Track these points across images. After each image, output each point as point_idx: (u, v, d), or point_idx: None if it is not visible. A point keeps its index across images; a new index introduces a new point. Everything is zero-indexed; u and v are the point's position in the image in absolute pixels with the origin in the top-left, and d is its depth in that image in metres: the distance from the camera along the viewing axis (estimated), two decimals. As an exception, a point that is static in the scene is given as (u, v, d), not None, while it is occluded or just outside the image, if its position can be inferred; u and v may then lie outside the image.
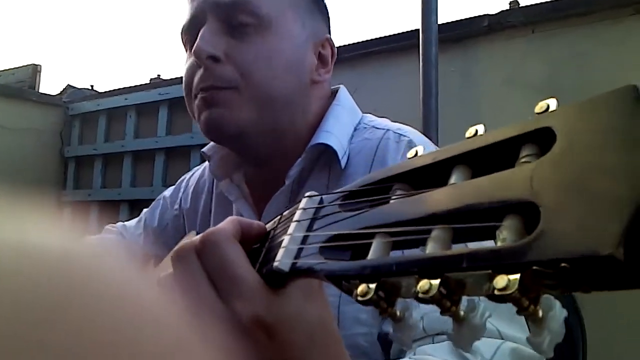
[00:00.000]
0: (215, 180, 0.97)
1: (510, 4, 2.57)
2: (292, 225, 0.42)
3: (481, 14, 2.12)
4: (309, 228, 0.41)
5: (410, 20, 2.48)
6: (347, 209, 0.38)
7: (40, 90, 3.71)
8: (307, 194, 0.44)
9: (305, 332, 0.44)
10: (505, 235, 0.25)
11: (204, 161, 3.11)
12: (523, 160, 0.27)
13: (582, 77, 1.90)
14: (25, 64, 3.73)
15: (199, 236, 0.47)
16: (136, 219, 1.14)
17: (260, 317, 0.42)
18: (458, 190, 0.29)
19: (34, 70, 3.63)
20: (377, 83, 2.25)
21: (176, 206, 1.04)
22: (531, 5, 2.05)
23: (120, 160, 3.31)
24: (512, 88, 2.04)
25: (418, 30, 2.08)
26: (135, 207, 3.16)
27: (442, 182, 0.32)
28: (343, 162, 0.78)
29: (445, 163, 0.32)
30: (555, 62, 1.96)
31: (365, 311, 0.69)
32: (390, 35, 2.32)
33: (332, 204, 0.41)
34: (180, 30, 0.85)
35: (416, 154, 0.36)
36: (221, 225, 0.47)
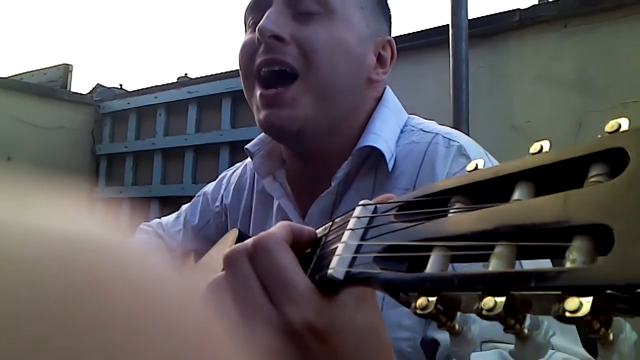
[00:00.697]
0: (256, 178, 0.97)
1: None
2: (346, 233, 0.41)
3: (512, 9, 2.09)
4: (363, 237, 0.41)
5: (440, 15, 2.46)
6: (403, 219, 0.38)
7: (73, 89, 3.78)
8: (361, 202, 0.44)
9: (357, 339, 0.44)
10: (576, 257, 0.24)
11: (232, 158, 3.12)
12: (592, 179, 0.27)
13: (614, 72, 1.87)
14: (57, 64, 3.80)
15: (250, 240, 0.47)
16: (174, 215, 1.14)
17: (311, 323, 0.42)
18: (523, 207, 0.29)
19: (66, 69, 3.70)
20: (407, 79, 2.23)
21: (217, 203, 1.04)
22: (564, -2, 2.02)
23: (151, 158, 3.36)
24: (544, 83, 2.01)
25: (448, 25, 2.06)
26: (165, 204, 3.20)
27: (504, 198, 0.31)
28: (390, 165, 0.78)
29: (508, 179, 0.31)
30: (588, 57, 1.92)
31: (409, 316, 0.68)
32: (420, 31, 2.31)
33: (386, 213, 0.40)
34: (244, 11, 0.85)
35: (476, 167, 0.35)
36: (273, 229, 0.47)
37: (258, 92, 0.78)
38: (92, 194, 3.60)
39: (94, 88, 4.54)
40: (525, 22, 2.06)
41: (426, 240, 0.33)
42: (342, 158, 0.80)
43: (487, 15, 2.16)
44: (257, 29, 0.76)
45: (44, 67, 3.88)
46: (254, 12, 0.81)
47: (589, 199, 0.26)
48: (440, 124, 0.87)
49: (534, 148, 0.31)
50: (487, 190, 0.33)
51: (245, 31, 0.85)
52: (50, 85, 3.64)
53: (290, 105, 0.76)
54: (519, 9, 2.08)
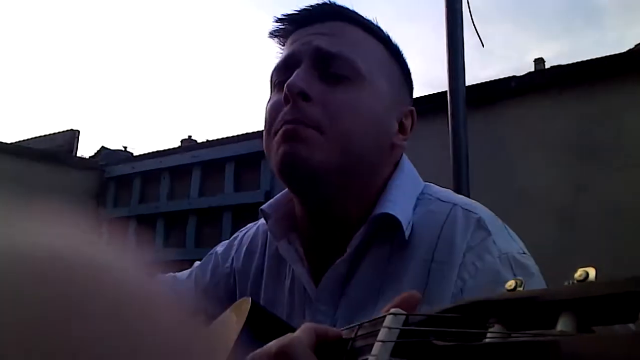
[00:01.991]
0: (268, 241, 0.95)
1: (535, 62, 2.61)
2: (377, 345, 0.39)
3: (508, 76, 2.16)
4: (394, 352, 0.39)
5: (437, 82, 2.53)
6: (436, 335, 0.36)
7: (78, 153, 3.83)
8: (392, 310, 0.42)
9: None
10: None
11: (235, 222, 3.08)
12: None
13: (610, 136, 1.92)
14: (64, 129, 3.88)
15: (274, 344, 0.46)
16: (187, 272, 1.10)
17: None
18: (568, 345, 0.27)
19: (72, 135, 3.77)
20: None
21: (227, 264, 1.01)
22: (556, 66, 2.09)
23: (154, 222, 3.37)
24: (541, 148, 2.05)
25: (446, 92, 2.12)
26: (168, 268, 3.17)
27: (546, 324, 0.30)
28: (407, 233, 0.76)
29: (551, 305, 0.30)
30: (583, 122, 1.97)
31: None
32: (418, 98, 2.37)
33: (419, 327, 0.39)
34: (272, 70, 0.84)
35: (515, 287, 0.34)
36: (297, 334, 0.46)
37: (281, 130, 0.76)
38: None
39: (98, 151, 4.60)
40: (522, 89, 2.12)
41: None
42: (357, 224, 0.78)
43: (484, 82, 2.23)
44: (285, 85, 0.76)
45: (51, 133, 3.95)
46: (281, 72, 0.82)
47: None
48: None
49: (579, 275, 0.30)
50: (527, 315, 0.32)
51: (271, 91, 0.85)
52: (57, 150, 3.70)
53: (311, 144, 0.75)
54: (514, 76, 2.15)
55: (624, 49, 1.99)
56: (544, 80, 2.09)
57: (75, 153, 3.84)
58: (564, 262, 1.82)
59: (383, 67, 0.83)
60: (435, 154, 2.17)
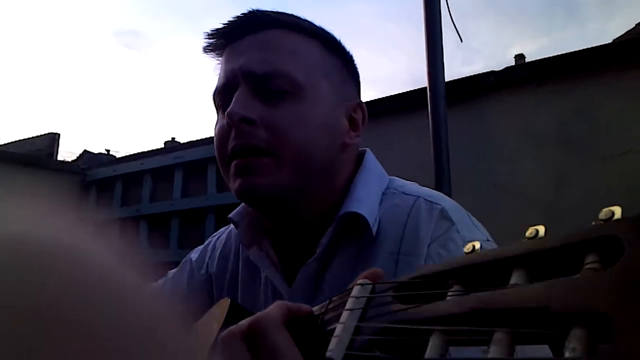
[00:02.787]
0: (241, 246, 0.95)
1: (515, 58, 2.64)
2: (345, 314, 0.41)
3: (487, 71, 2.18)
4: (362, 318, 0.40)
5: (418, 79, 2.55)
6: (401, 300, 0.38)
7: (59, 157, 3.79)
8: (359, 281, 0.43)
9: None
10: (576, 345, 0.25)
11: (218, 223, 3.08)
12: (588, 267, 0.27)
13: (588, 128, 1.94)
14: (44, 133, 3.83)
15: (246, 321, 0.47)
16: (160, 282, 1.11)
17: None
18: (521, 294, 0.29)
19: (52, 138, 3.72)
20: (387, 142, 2.29)
21: (203, 271, 1.02)
22: (535, 61, 2.11)
23: (137, 225, 3.35)
24: (522, 142, 2.07)
25: (425, 88, 2.13)
26: (152, 270, 3.16)
27: (501, 281, 0.32)
28: (374, 230, 0.77)
29: (505, 262, 0.32)
30: (562, 116, 2.00)
31: None
32: (398, 94, 2.38)
33: (385, 294, 0.40)
34: (212, 93, 0.85)
35: (473, 249, 0.36)
36: (269, 310, 0.47)
37: (233, 163, 0.77)
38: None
39: (81, 154, 4.55)
40: (501, 84, 2.14)
41: (425, 323, 0.34)
42: (325, 224, 0.79)
43: (463, 78, 2.25)
44: (226, 114, 0.76)
45: (31, 137, 3.90)
46: (223, 95, 0.81)
47: (586, 287, 0.26)
48: (423, 184, 0.88)
49: (530, 232, 0.32)
50: (485, 274, 0.34)
51: (217, 113, 0.85)
52: (37, 154, 3.66)
53: (264, 174, 0.75)
54: (493, 71, 2.16)
55: (604, 42, 2.02)
56: (522, 75, 2.11)
57: (56, 157, 3.80)
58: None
59: (322, 67, 0.82)
60: (417, 149, 2.18)
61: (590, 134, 1.93)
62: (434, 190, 0.84)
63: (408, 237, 0.76)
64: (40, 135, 3.87)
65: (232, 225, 1.00)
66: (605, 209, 0.29)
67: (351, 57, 0.88)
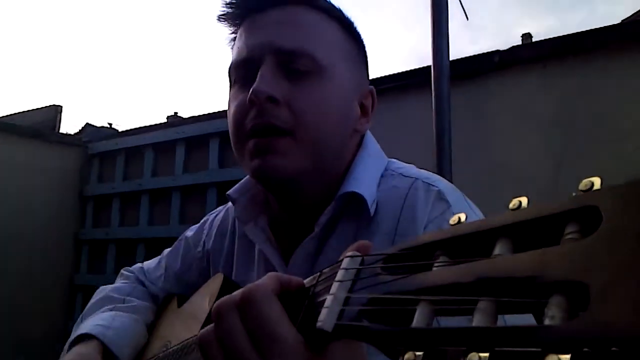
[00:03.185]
0: (237, 223, 0.96)
1: (522, 38, 2.62)
2: (335, 285, 0.42)
3: (492, 50, 2.16)
4: (351, 289, 0.41)
5: (423, 56, 2.53)
6: (389, 272, 0.39)
7: (61, 129, 3.78)
8: (349, 253, 0.44)
9: None
10: (554, 313, 0.26)
11: (219, 199, 3.09)
12: (568, 237, 0.28)
13: (592, 110, 1.93)
14: (47, 105, 3.82)
15: (239, 292, 0.47)
16: (156, 260, 1.13)
17: None
18: (504, 264, 0.30)
19: (55, 111, 3.71)
20: (391, 119, 2.28)
21: (199, 248, 1.03)
22: (541, 40, 2.09)
23: (138, 199, 3.35)
24: (524, 122, 2.06)
25: (430, 67, 2.11)
26: (152, 245, 3.18)
27: (485, 252, 0.32)
28: (372, 210, 0.78)
29: (489, 234, 0.33)
30: (567, 98, 1.98)
31: None
32: (402, 72, 2.37)
33: (374, 265, 0.41)
34: (229, 66, 0.83)
35: (459, 221, 0.37)
36: (261, 281, 0.47)
37: (252, 142, 0.77)
38: (78, 235, 3.57)
39: (83, 127, 4.55)
40: (505, 63, 2.12)
41: (412, 293, 0.35)
42: (325, 204, 0.80)
43: (467, 57, 2.23)
44: (252, 90, 0.75)
45: (33, 108, 3.89)
46: (241, 70, 0.80)
47: (565, 256, 0.27)
48: (423, 164, 0.88)
49: (513, 204, 0.33)
50: (470, 244, 0.35)
51: (231, 86, 0.84)
52: (40, 127, 3.65)
53: (283, 155, 0.75)
54: (498, 51, 2.14)
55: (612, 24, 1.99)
56: (528, 55, 2.09)
57: (58, 129, 3.80)
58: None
59: (341, 49, 0.82)
60: (419, 127, 2.17)
61: (592, 117, 1.92)
62: (431, 173, 0.85)
63: (405, 218, 0.76)
64: (43, 108, 3.86)
65: (229, 204, 1.01)
66: (585, 180, 0.30)
67: (363, 43, 0.88)
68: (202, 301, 0.89)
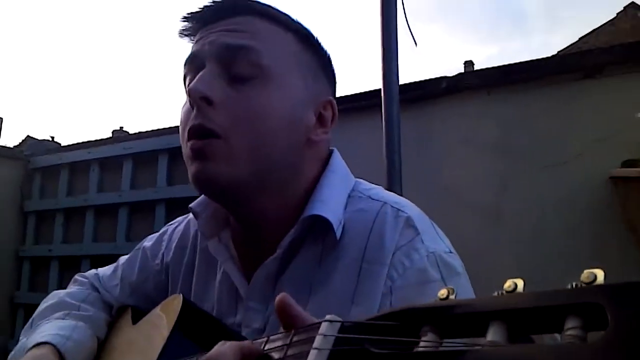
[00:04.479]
0: (199, 236, 0.94)
1: (465, 65, 2.70)
2: (312, 353, 0.39)
3: (440, 76, 2.23)
4: (330, 359, 0.38)
5: (372, 80, 2.57)
6: (371, 344, 0.36)
7: (1, 142, 3.64)
8: (328, 317, 0.41)
9: None
10: None
11: (168, 215, 3.02)
12: (569, 332, 0.27)
13: (533, 137, 2.01)
14: (-14, 117, 3.67)
15: None
16: (111, 267, 1.09)
17: None
18: (498, 355, 0.28)
19: (-5, 123, 3.57)
20: (341, 141, 2.30)
21: (157, 260, 1.00)
22: (486, 68, 2.17)
23: (83, 215, 3.26)
24: (469, 146, 2.13)
25: (380, 89, 2.15)
26: (97, 263, 3.05)
27: (477, 332, 0.31)
28: (338, 234, 0.76)
29: (482, 316, 0.31)
30: (509, 123, 2.06)
31: None
32: (353, 95, 2.41)
33: (355, 335, 0.38)
34: (183, 64, 0.82)
35: (447, 297, 0.35)
36: (221, 349, 0.45)
37: (188, 145, 0.75)
38: (18, 252, 3.44)
39: (24, 140, 4.39)
40: (452, 89, 2.19)
41: None
42: (287, 223, 0.78)
43: (416, 82, 2.29)
44: (187, 90, 0.75)
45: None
46: (190, 71, 0.80)
47: (568, 359, 0.26)
48: (374, 184, 0.87)
49: (508, 286, 0.32)
50: (459, 324, 0.33)
51: (185, 86, 0.82)
52: (-23, 139, 3.50)
53: (217, 160, 0.74)
54: (445, 77, 2.21)
55: (547, 54, 2.09)
56: (474, 82, 2.16)
57: (-2, 142, 3.65)
58: (487, 257, 1.90)
59: (294, 59, 0.81)
60: (369, 149, 2.21)
61: (532, 143, 2.00)
62: (400, 197, 0.84)
63: (372, 244, 0.75)
64: (-18, 119, 3.71)
65: (190, 215, 0.98)
66: (587, 271, 0.29)
67: (327, 56, 0.87)
68: (160, 321, 0.85)
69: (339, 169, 0.86)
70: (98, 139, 3.35)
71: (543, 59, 2.05)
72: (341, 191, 0.82)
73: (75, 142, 3.49)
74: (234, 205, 0.82)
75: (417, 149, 2.19)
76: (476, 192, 2.06)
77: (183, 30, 0.83)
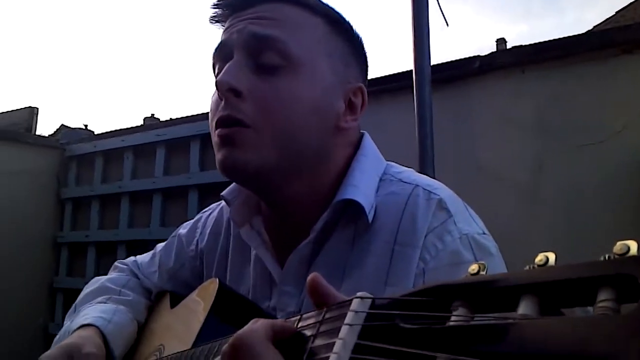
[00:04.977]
0: (233, 224, 0.95)
1: (497, 42, 2.65)
2: (344, 329, 0.39)
3: (472, 55, 2.19)
4: (362, 335, 0.38)
5: (404, 61, 2.54)
6: (403, 319, 0.36)
7: (37, 131, 3.73)
8: (359, 294, 0.41)
9: None
10: None
11: (201, 201, 3.07)
12: (601, 304, 0.27)
13: (569, 116, 1.97)
14: (23, 107, 3.76)
15: (230, 340, 0.44)
16: (149, 255, 1.12)
17: None
18: (530, 328, 0.28)
19: (31, 112, 3.65)
20: (372, 123, 2.29)
21: (192, 247, 1.02)
22: (520, 46, 2.13)
23: (118, 201, 3.32)
24: (504, 126, 2.09)
25: (411, 71, 2.14)
26: (132, 248, 3.15)
27: (509, 307, 0.31)
28: (370, 217, 0.76)
29: (513, 290, 0.31)
30: (544, 101, 2.02)
31: None
32: (384, 76, 2.39)
33: (385, 311, 0.38)
34: (212, 53, 0.83)
35: (478, 272, 0.35)
36: (252, 327, 0.44)
37: (216, 133, 0.77)
38: (56, 239, 3.53)
39: (58, 129, 4.48)
40: (485, 68, 2.15)
41: (429, 348, 0.32)
42: (319, 208, 0.79)
43: (448, 62, 2.26)
44: (215, 82, 0.75)
45: (9, 110, 3.83)
46: (219, 60, 0.80)
47: (601, 331, 0.25)
48: (407, 166, 0.87)
49: (540, 259, 0.32)
50: (491, 298, 0.33)
51: (214, 74, 0.83)
52: (15, 129, 3.59)
53: (245, 149, 0.74)
54: (479, 56, 2.17)
55: (582, 31, 2.03)
56: (508, 60, 2.12)
57: (35, 131, 3.73)
58: (523, 238, 1.87)
59: (323, 45, 0.80)
60: (400, 132, 2.19)
61: (569, 122, 1.96)
62: (431, 179, 0.83)
63: (405, 226, 0.75)
64: (18, 109, 3.79)
65: (222, 202, 1.00)
66: (620, 243, 0.28)
67: (359, 40, 0.87)
68: (197, 308, 0.88)
69: (370, 153, 0.86)
70: (130, 126, 3.39)
71: (579, 35, 2.00)
72: (372, 175, 0.83)
73: (108, 130, 3.55)
74: (264, 191, 0.83)
75: (450, 130, 2.16)
76: (511, 173, 2.04)
77: (213, 16, 0.84)
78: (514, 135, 2.06)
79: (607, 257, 0.28)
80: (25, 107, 3.80)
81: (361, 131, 0.90)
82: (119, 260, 1.15)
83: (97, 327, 0.90)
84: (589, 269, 0.28)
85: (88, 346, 0.84)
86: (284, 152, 0.76)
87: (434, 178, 2.04)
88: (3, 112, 3.88)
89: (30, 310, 3.36)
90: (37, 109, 3.79)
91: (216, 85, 0.75)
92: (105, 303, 0.99)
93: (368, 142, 0.88)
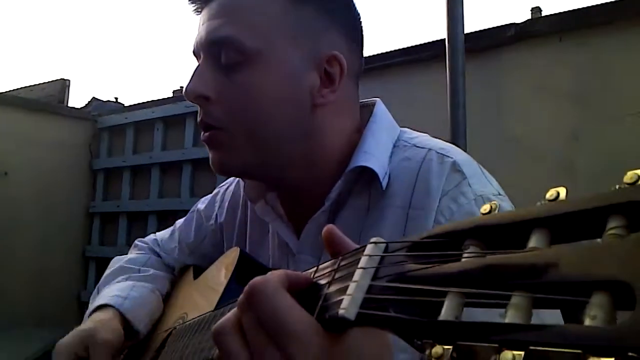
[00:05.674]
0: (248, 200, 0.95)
1: (532, 11, 2.56)
2: (358, 272, 0.40)
3: (507, 23, 2.12)
4: (375, 276, 0.39)
5: (437, 29, 2.49)
6: (415, 260, 0.37)
7: (69, 104, 3.78)
8: (373, 239, 0.42)
9: None
10: (596, 314, 0.24)
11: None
12: (611, 232, 0.26)
13: (608, 85, 1.89)
14: (55, 79, 3.81)
15: (244, 290, 0.44)
16: (168, 231, 1.14)
17: None
18: (540, 258, 0.28)
19: (63, 84, 3.70)
20: (403, 93, 2.25)
21: (212, 221, 1.04)
22: (558, 13, 2.04)
23: (148, 172, 3.36)
24: (539, 96, 2.03)
25: (444, 40, 2.08)
26: (163, 218, 3.20)
27: (519, 243, 0.31)
28: (384, 183, 0.76)
29: (524, 225, 0.31)
30: (583, 70, 1.95)
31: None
32: (416, 45, 2.33)
33: (398, 253, 0.39)
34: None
35: (490, 211, 0.35)
36: (267, 276, 0.45)
37: (202, 135, 0.80)
38: (88, 208, 3.60)
39: (89, 101, 4.54)
40: (520, 36, 2.08)
41: (441, 283, 0.33)
42: (332, 177, 0.78)
43: (482, 30, 2.19)
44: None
45: (41, 82, 3.89)
46: (198, 61, 0.81)
47: (609, 254, 0.25)
48: (438, 137, 0.85)
49: (551, 194, 0.31)
50: (502, 235, 0.33)
51: None
52: (48, 100, 3.65)
53: (224, 149, 0.77)
54: (514, 24, 2.10)
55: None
56: (544, 28, 2.04)
57: (67, 103, 3.79)
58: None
59: (283, 22, 0.76)
60: (433, 101, 2.15)
61: (608, 92, 1.89)
62: (445, 142, 0.82)
63: (419, 190, 0.74)
64: (51, 81, 3.85)
65: None
66: (630, 172, 0.28)
67: (327, 4, 0.79)
68: (219, 273, 0.90)
69: (383, 119, 0.85)
70: (160, 98, 3.41)
71: (617, 1, 1.90)
72: (386, 141, 0.82)
73: (138, 102, 3.58)
74: (265, 181, 0.84)
75: (483, 101, 2.11)
76: (547, 144, 1.98)
77: (193, 10, 0.84)
78: (550, 106, 1.99)
79: (617, 187, 0.28)
80: (58, 80, 3.86)
81: (374, 99, 0.88)
82: (139, 239, 1.18)
83: (112, 306, 0.92)
84: (599, 199, 0.28)
85: (103, 332, 0.86)
86: (262, 147, 0.76)
87: (465, 150, 2.00)
88: (36, 84, 3.95)
89: (64, 277, 3.46)
90: (69, 81, 3.84)
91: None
92: (123, 282, 1.01)
93: (380, 109, 0.86)
